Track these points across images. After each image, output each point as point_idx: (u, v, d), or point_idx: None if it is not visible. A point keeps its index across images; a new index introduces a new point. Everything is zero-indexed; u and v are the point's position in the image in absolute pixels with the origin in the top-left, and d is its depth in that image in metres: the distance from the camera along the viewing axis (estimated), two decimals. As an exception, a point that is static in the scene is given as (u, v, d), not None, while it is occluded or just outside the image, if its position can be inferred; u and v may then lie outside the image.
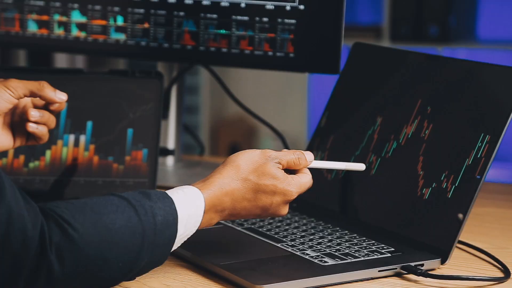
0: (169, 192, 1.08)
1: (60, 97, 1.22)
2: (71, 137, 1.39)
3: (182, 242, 1.08)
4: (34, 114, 1.20)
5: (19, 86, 1.19)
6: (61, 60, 3.62)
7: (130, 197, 1.03)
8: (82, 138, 1.39)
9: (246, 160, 1.12)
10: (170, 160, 1.65)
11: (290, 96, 3.90)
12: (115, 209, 1.01)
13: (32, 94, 1.20)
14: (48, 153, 1.38)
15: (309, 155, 1.16)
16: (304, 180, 1.14)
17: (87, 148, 1.39)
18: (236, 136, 4.05)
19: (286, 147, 1.63)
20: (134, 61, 3.43)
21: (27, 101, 1.23)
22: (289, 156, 1.14)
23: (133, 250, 1.01)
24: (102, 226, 0.99)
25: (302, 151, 1.16)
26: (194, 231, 1.09)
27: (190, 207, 1.08)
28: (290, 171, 1.15)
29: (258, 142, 4.04)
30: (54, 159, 1.38)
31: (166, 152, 1.64)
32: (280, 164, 1.13)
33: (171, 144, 1.65)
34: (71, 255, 0.95)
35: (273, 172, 1.12)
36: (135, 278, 1.06)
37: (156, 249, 1.03)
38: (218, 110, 4.07)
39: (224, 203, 1.10)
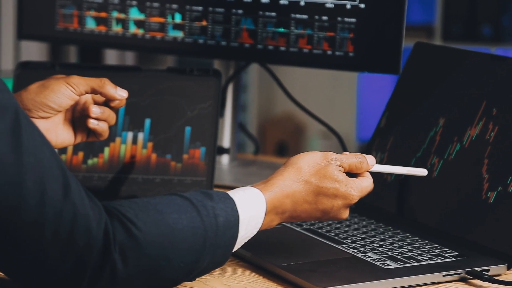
0: (230, 193, 1.07)
1: (120, 94, 1.21)
2: (129, 135, 1.39)
3: (243, 243, 1.07)
4: (95, 110, 1.20)
5: (80, 82, 1.19)
6: (111, 57, 3.63)
7: (192, 197, 1.02)
8: (140, 136, 1.39)
9: (307, 162, 1.11)
10: (225, 159, 1.64)
11: (339, 95, 3.88)
12: (177, 209, 1.00)
13: (93, 91, 1.20)
14: (106, 150, 1.38)
15: (371, 159, 1.14)
16: (365, 184, 1.13)
17: (145, 146, 1.38)
18: (283, 135, 4.04)
19: (344, 147, 1.61)
20: (186, 58, 3.43)
21: (88, 97, 1.22)
22: (351, 159, 1.12)
23: (195, 251, 1.00)
24: (165, 226, 0.98)
25: (364, 154, 1.14)
26: (255, 232, 1.08)
27: (252, 209, 1.06)
28: (351, 174, 1.13)
29: (306, 141, 4.03)
30: (113, 156, 1.38)
31: (221, 150, 1.63)
32: (342, 167, 1.11)
33: (226, 142, 1.64)
34: (134, 254, 0.95)
35: (335, 175, 1.10)
36: (195, 279, 1.05)
37: (217, 250, 1.02)
38: (265, 108, 4.06)
39: (285, 205, 1.09)
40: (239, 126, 1.67)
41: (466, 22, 3.35)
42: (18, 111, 0.91)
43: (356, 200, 1.12)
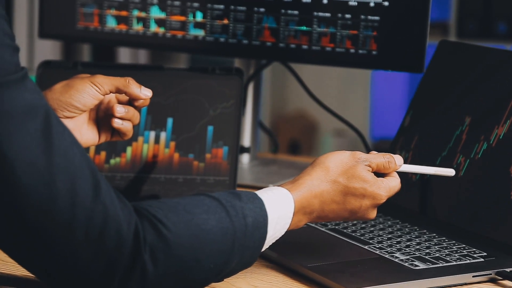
0: (258, 193, 1.06)
1: (145, 93, 1.20)
2: (152, 134, 1.38)
3: (271, 243, 1.06)
4: (119, 109, 1.19)
5: (105, 82, 1.18)
6: (124, 55, 3.63)
7: (221, 198, 1.02)
8: (163, 135, 1.38)
9: (335, 162, 1.10)
10: (245, 158, 1.64)
11: (353, 92, 3.87)
12: (206, 209, 0.99)
13: (118, 90, 1.19)
14: (129, 150, 1.37)
15: (398, 158, 1.13)
16: (393, 184, 1.12)
17: (167, 145, 1.38)
18: (295, 133, 4.03)
19: (366, 146, 1.60)
20: (202, 57, 3.42)
21: (111, 96, 1.22)
22: (379, 159, 1.11)
23: (224, 251, 0.99)
24: (195, 226, 0.97)
25: (392, 154, 1.13)
26: (283, 233, 1.07)
27: (280, 209, 1.06)
28: (378, 174, 1.12)
29: (318, 139, 4.02)
30: (135, 156, 1.38)
31: (242, 149, 1.62)
32: (370, 167, 1.11)
33: (247, 141, 1.63)
34: (164, 255, 0.94)
35: (363, 175, 1.09)
36: (223, 280, 1.05)
37: (246, 251, 1.02)
38: (278, 106, 4.05)
39: (313, 205, 1.08)
40: (259, 125, 1.66)
41: (481, 19, 3.33)
42: (48, 112, 0.90)
43: (384, 200, 1.11)
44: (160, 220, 0.95)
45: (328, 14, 1.47)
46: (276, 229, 1.05)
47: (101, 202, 0.91)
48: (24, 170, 0.87)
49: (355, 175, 1.09)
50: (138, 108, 1.23)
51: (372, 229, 1.24)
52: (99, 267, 0.91)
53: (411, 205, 1.31)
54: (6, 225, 0.89)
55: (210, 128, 1.38)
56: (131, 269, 0.92)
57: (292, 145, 4.00)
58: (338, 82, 3.86)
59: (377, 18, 1.44)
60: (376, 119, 3.81)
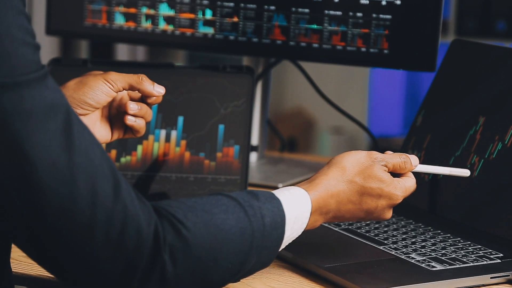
0: (275, 192, 1.05)
1: (158, 90, 1.19)
2: (162, 132, 1.37)
3: (287, 244, 1.06)
4: (132, 107, 1.18)
5: (118, 79, 1.17)
6: (122, 52, 3.61)
7: (238, 197, 1.01)
8: (174, 134, 1.37)
9: (352, 162, 1.09)
10: (253, 157, 1.63)
11: (351, 90, 3.86)
12: (225, 209, 0.98)
13: (131, 88, 1.18)
14: (139, 148, 1.36)
15: (414, 158, 1.13)
16: (409, 184, 1.11)
17: (178, 144, 1.37)
18: (293, 130, 4.02)
19: (376, 146, 1.59)
20: (198, 53, 3.41)
21: (124, 94, 1.21)
22: (395, 159, 1.11)
23: (242, 252, 0.98)
24: (214, 226, 0.96)
25: (408, 154, 1.13)
26: (300, 233, 1.06)
27: (297, 209, 1.05)
28: (393, 174, 1.11)
29: (316, 136, 4.01)
30: (146, 154, 1.36)
31: (250, 148, 1.61)
32: (387, 167, 1.10)
33: (255, 140, 1.62)
34: (184, 255, 0.93)
35: (379, 175, 1.09)
36: (240, 280, 1.04)
37: (263, 251, 1.01)
38: (275, 103, 4.04)
39: (329, 205, 1.07)
40: (267, 124, 1.65)
41: (480, 17, 3.33)
42: (69, 111, 0.89)
43: (400, 201, 1.11)
44: (179, 220, 0.94)
45: (339, 13, 1.46)
46: (293, 229, 1.05)
47: (121, 202, 0.90)
48: (45, 169, 0.86)
49: (372, 175, 1.09)
50: (150, 106, 1.22)
51: (386, 229, 1.24)
52: (119, 267, 0.90)
53: (424, 206, 1.30)
54: (26, 225, 0.88)
55: (221, 127, 1.37)
56: (151, 269, 0.91)
57: (289, 142, 4.00)
58: (336, 79, 3.85)
59: (389, 16, 1.43)
60: (374, 117, 3.81)
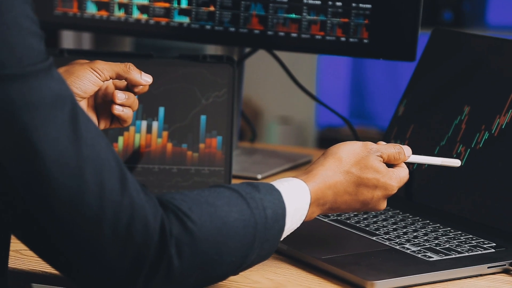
0: (275, 184, 1.04)
1: (145, 79, 1.17)
2: (144, 124, 1.34)
3: (285, 236, 1.04)
4: (120, 96, 1.15)
5: (105, 68, 1.14)
6: (67, 40, 3.54)
7: (240, 189, 0.99)
8: (155, 125, 1.35)
9: (348, 153, 1.09)
10: (227, 147, 1.61)
11: (298, 79, 3.86)
12: (228, 201, 0.97)
13: (118, 76, 1.15)
14: (120, 140, 1.33)
15: (407, 149, 1.13)
16: (403, 174, 1.11)
17: (160, 135, 1.34)
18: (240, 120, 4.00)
19: (357, 137, 1.59)
20: (145, 41, 3.36)
21: (109, 83, 1.18)
22: (390, 149, 1.11)
23: (245, 245, 0.97)
24: (218, 219, 0.94)
25: (401, 145, 1.12)
26: (299, 224, 1.05)
27: (297, 200, 1.04)
28: (388, 165, 1.11)
29: (264, 126, 4.00)
30: (127, 145, 1.34)
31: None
32: (382, 157, 1.10)
33: (229, 130, 1.60)
34: (190, 249, 0.91)
35: (375, 165, 1.08)
36: (240, 273, 1.02)
37: (265, 243, 0.99)
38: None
39: (326, 197, 1.07)
40: (241, 115, 1.63)
41: (427, 7, 3.36)
42: (74, 102, 0.86)
43: (395, 191, 1.10)
44: (185, 213, 0.92)
45: (318, 2, 1.45)
46: (293, 221, 1.03)
47: (128, 195, 0.87)
48: (53, 162, 0.83)
49: (368, 166, 1.08)
50: (136, 94, 1.20)
51: (375, 219, 1.23)
52: (126, 261, 0.88)
53: (411, 195, 1.30)
54: (33, 218, 0.84)
55: (203, 118, 1.35)
56: (158, 263, 0.89)
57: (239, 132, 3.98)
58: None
59: (368, 6, 1.43)
60: (322, 107, 3.81)
